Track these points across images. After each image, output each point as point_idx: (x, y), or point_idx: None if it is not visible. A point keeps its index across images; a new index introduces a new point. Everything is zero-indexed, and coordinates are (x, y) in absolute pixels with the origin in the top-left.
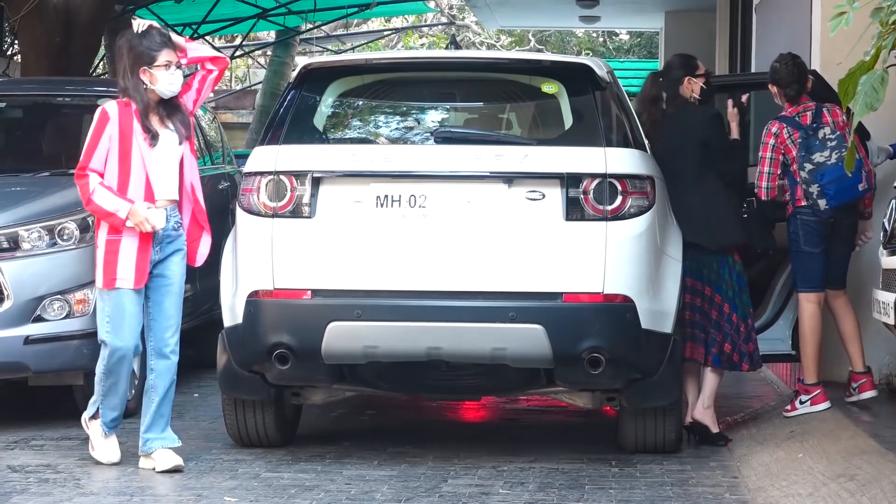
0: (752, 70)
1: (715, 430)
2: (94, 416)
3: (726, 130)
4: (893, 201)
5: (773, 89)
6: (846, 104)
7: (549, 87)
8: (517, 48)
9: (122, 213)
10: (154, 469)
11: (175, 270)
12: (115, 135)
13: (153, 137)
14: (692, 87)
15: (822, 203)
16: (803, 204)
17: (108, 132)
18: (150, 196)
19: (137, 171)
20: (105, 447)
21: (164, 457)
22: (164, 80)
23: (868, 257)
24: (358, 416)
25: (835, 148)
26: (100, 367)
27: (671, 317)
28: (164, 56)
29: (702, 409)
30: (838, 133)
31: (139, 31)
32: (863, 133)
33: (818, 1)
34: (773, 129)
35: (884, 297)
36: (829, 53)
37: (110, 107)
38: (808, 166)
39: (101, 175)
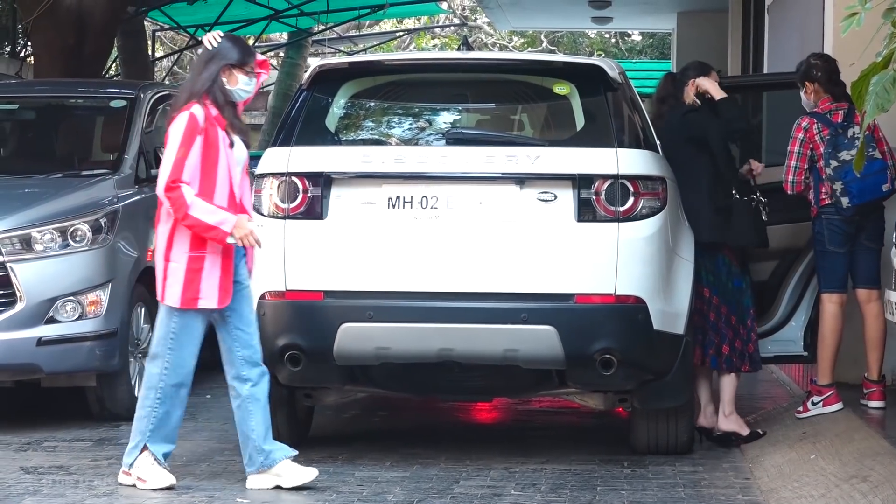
0: (766, 70)
1: (745, 431)
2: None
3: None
4: None
5: (811, 86)
6: (860, 108)
7: (561, 89)
8: (529, 49)
9: (228, 225)
10: (280, 486)
11: (244, 274)
12: (200, 142)
13: (231, 144)
14: (697, 91)
15: (844, 201)
16: (827, 203)
17: (197, 139)
18: (233, 206)
19: (223, 180)
20: (157, 473)
21: (294, 472)
22: (242, 82)
23: (881, 261)
24: (370, 418)
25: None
26: (150, 397)
27: (683, 318)
28: (250, 60)
29: (724, 418)
30: (868, 134)
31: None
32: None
33: (830, 1)
34: (804, 124)
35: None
36: (841, 54)
37: (198, 111)
38: (834, 163)
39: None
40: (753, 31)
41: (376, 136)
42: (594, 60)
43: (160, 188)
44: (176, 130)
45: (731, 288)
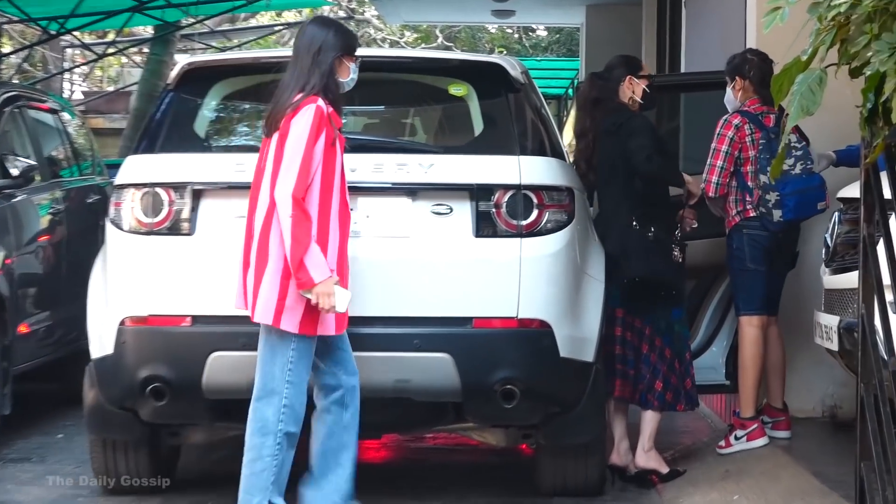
0: (683, 69)
1: (665, 469)
2: None
3: (657, 142)
4: (836, 214)
5: (741, 83)
6: (778, 101)
7: (458, 89)
8: (423, 46)
9: (319, 277)
10: None
11: None
12: (323, 142)
13: (343, 147)
14: (633, 89)
15: (776, 214)
16: (752, 215)
17: (320, 142)
18: (346, 222)
19: (338, 191)
20: None
21: None
22: (352, 74)
23: (809, 277)
24: (241, 459)
25: (800, 158)
26: (268, 444)
27: (593, 344)
28: (357, 45)
29: (643, 454)
30: (804, 144)
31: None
32: (802, 137)
33: None
34: (735, 122)
35: (826, 320)
36: (764, 51)
37: (323, 106)
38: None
39: None
40: (669, 26)
41: (252, 143)
42: (494, 58)
43: (285, 193)
44: (301, 127)
45: (670, 318)
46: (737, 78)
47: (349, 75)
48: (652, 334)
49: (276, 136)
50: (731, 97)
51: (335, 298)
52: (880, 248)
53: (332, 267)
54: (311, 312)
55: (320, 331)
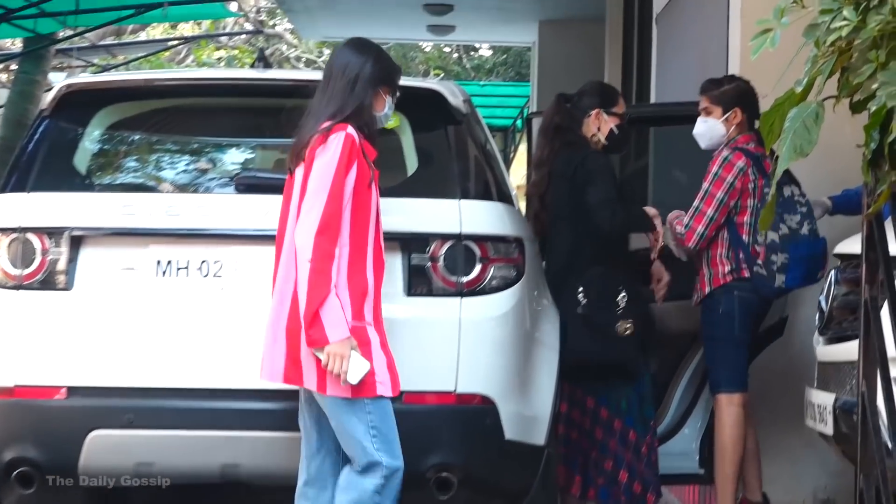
0: (653, 95)
1: None
2: None
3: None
4: (832, 273)
5: (740, 115)
6: (769, 144)
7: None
8: None
9: (335, 335)
10: None
11: None
12: (354, 175)
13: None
14: (600, 125)
15: (779, 279)
16: (747, 276)
17: (351, 175)
18: (381, 276)
19: (372, 240)
20: None
21: None
22: (388, 107)
23: (799, 347)
24: None
25: (807, 216)
26: None
27: (545, 424)
28: (398, 78)
29: None
30: (807, 198)
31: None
32: (791, 183)
33: (737, 12)
34: (739, 164)
35: (820, 398)
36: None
37: (355, 134)
38: (784, 229)
39: None
40: (637, 47)
41: (142, 180)
42: (431, 83)
43: (306, 232)
44: (328, 157)
45: (633, 395)
46: (737, 108)
47: (384, 109)
48: (610, 417)
49: (298, 172)
50: (718, 130)
51: (348, 364)
52: (885, 314)
53: (367, 323)
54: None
55: (380, 391)
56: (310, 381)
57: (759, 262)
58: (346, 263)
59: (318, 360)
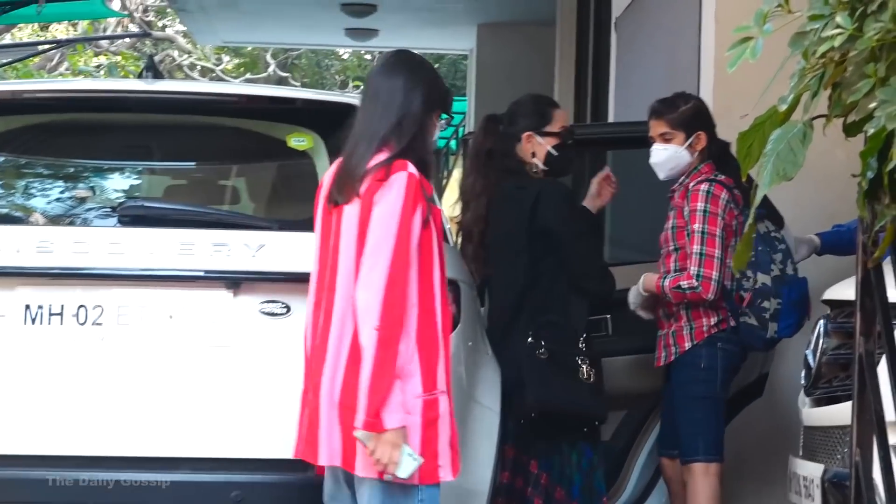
0: (611, 113)
1: None
2: None
3: (575, 215)
4: (821, 323)
5: (704, 138)
6: (747, 168)
7: (299, 141)
8: (248, 76)
9: (392, 422)
10: None
11: None
12: (419, 221)
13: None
14: (535, 149)
15: (771, 328)
16: (728, 327)
17: (416, 222)
18: (448, 327)
19: (439, 291)
20: None
21: None
22: (438, 131)
23: (782, 410)
24: None
25: (787, 253)
26: None
27: (484, 497)
28: (450, 100)
29: None
30: (783, 234)
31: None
32: (772, 218)
33: (710, 17)
34: (723, 196)
35: (806, 469)
36: (725, 98)
37: (416, 172)
38: (775, 269)
39: None
40: (593, 56)
41: (7, 210)
42: (350, 98)
43: (373, 294)
44: (391, 202)
45: (574, 462)
46: (700, 133)
47: (435, 135)
48: (549, 483)
49: (349, 209)
50: (683, 158)
51: (399, 456)
52: (882, 370)
53: (440, 391)
54: (429, 454)
55: (442, 476)
56: (365, 465)
57: (746, 309)
58: (416, 326)
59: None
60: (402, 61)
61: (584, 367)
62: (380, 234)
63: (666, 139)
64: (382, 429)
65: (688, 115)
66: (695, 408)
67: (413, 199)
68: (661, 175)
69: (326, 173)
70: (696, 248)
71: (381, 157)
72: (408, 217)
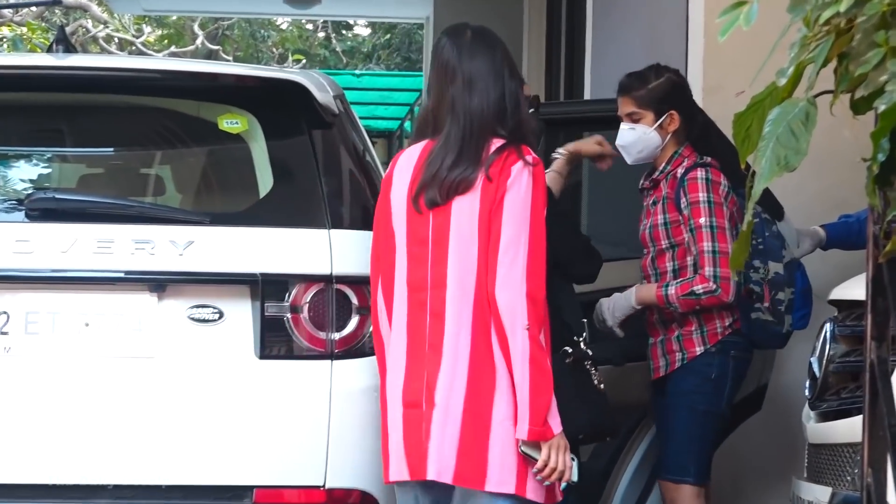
0: (588, 89)
1: None
2: None
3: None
4: (827, 327)
5: (674, 120)
6: (745, 154)
7: (232, 123)
8: (173, 50)
9: (558, 425)
10: None
11: None
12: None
13: None
14: None
15: (787, 321)
16: (740, 327)
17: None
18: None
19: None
20: None
21: None
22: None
23: (783, 425)
24: None
25: (779, 236)
26: None
27: None
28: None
29: None
30: (783, 226)
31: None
32: (770, 207)
33: None
34: (722, 182)
35: (812, 492)
36: (717, 72)
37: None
38: (786, 255)
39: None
40: (567, 24)
41: None
42: (291, 74)
43: (517, 292)
44: (523, 191)
45: None
46: (673, 111)
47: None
48: None
49: (462, 203)
50: (652, 140)
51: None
52: None
53: None
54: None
55: (549, 499)
56: (504, 482)
57: (765, 304)
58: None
59: (521, 457)
60: (479, 37)
61: (595, 372)
62: (514, 227)
63: (634, 119)
64: (552, 434)
65: (658, 91)
66: (694, 422)
67: (543, 186)
68: (629, 159)
69: (399, 169)
70: (706, 245)
71: (496, 144)
72: (539, 207)
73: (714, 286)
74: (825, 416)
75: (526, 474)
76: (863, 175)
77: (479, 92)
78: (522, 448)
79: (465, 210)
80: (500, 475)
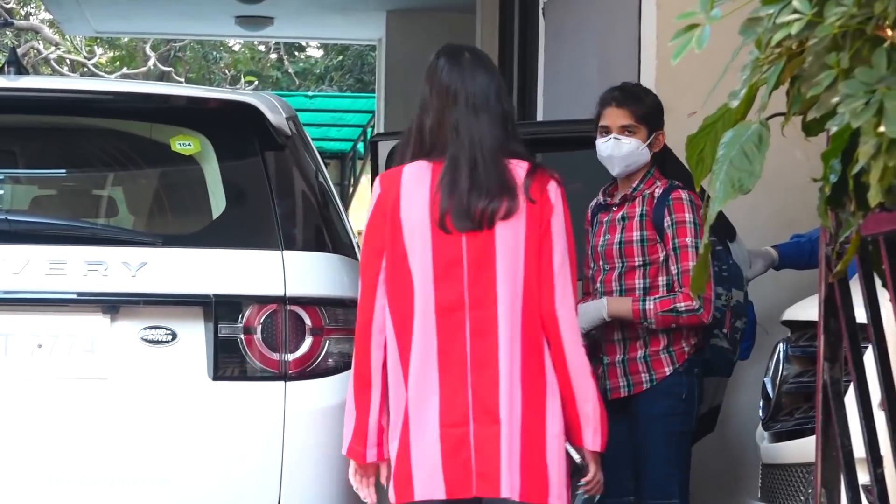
0: (540, 110)
1: None
2: None
3: None
4: (780, 347)
5: (661, 140)
6: (700, 178)
7: (185, 144)
8: (125, 71)
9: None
10: None
11: None
12: None
13: None
14: None
15: (737, 351)
16: (703, 348)
17: None
18: None
19: None
20: None
21: None
22: None
23: (736, 446)
24: None
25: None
26: None
27: None
28: None
29: None
30: (736, 247)
31: None
32: (722, 228)
33: (651, 2)
34: (701, 207)
35: None
36: (669, 94)
37: None
38: (746, 286)
39: None
40: (519, 47)
41: None
42: (244, 96)
43: (573, 310)
44: (563, 214)
45: None
46: (661, 132)
47: None
48: None
49: (505, 228)
50: (643, 156)
51: None
52: (850, 401)
53: None
54: None
55: None
56: (562, 496)
57: (725, 331)
58: None
59: (568, 472)
60: (477, 58)
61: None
62: (562, 246)
63: (628, 131)
64: (603, 445)
65: (653, 109)
66: (672, 445)
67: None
68: (615, 171)
69: (408, 190)
70: (692, 264)
71: (520, 166)
72: (570, 223)
73: (697, 306)
74: (779, 437)
75: (569, 487)
76: (814, 196)
77: (484, 113)
78: (575, 457)
79: (509, 233)
80: (559, 489)
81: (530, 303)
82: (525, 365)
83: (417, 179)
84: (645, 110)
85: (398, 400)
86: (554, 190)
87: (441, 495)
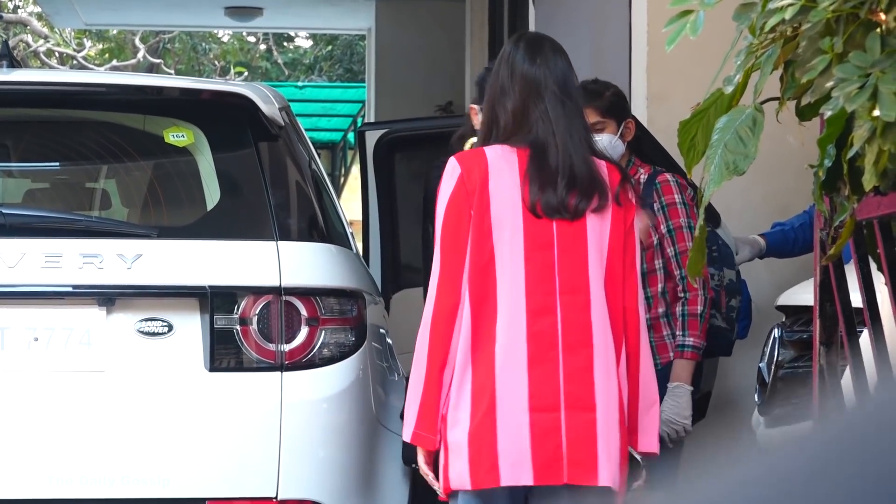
0: None
1: None
2: None
3: None
4: (775, 332)
5: (632, 128)
6: (692, 163)
7: (178, 136)
8: (115, 63)
9: None
10: None
11: None
12: None
13: None
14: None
15: (735, 329)
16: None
17: None
18: None
19: None
20: None
21: None
22: None
23: (727, 434)
24: None
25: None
26: None
27: None
28: None
29: None
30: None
31: None
32: (708, 214)
33: None
34: (689, 188)
35: None
36: (662, 81)
37: None
38: (737, 265)
39: None
40: (509, 35)
41: None
42: (237, 86)
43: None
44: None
45: None
46: (630, 120)
47: None
48: None
49: (596, 218)
50: (619, 148)
51: None
52: (846, 385)
53: None
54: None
55: None
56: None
57: (722, 311)
58: None
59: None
60: (556, 48)
61: None
62: (636, 249)
63: (597, 129)
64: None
65: (615, 101)
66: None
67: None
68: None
69: (496, 171)
70: (689, 244)
71: (604, 167)
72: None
73: (702, 294)
74: (775, 422)
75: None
76: (807, 180)
77: (569, 102)
78: (636, 455)
79: (597, 225)
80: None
81: (612, 294)
82: (617, 354)
83: (506, 161)
84: (607, 104)
85: (482, 384)
86: (633, 195)
87: (528, 481)
